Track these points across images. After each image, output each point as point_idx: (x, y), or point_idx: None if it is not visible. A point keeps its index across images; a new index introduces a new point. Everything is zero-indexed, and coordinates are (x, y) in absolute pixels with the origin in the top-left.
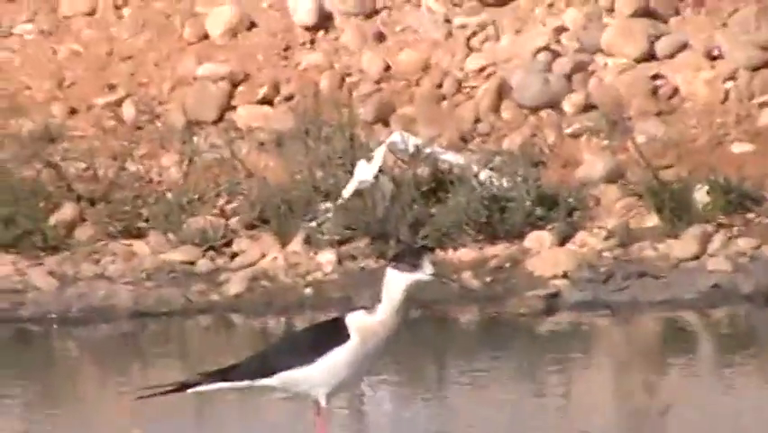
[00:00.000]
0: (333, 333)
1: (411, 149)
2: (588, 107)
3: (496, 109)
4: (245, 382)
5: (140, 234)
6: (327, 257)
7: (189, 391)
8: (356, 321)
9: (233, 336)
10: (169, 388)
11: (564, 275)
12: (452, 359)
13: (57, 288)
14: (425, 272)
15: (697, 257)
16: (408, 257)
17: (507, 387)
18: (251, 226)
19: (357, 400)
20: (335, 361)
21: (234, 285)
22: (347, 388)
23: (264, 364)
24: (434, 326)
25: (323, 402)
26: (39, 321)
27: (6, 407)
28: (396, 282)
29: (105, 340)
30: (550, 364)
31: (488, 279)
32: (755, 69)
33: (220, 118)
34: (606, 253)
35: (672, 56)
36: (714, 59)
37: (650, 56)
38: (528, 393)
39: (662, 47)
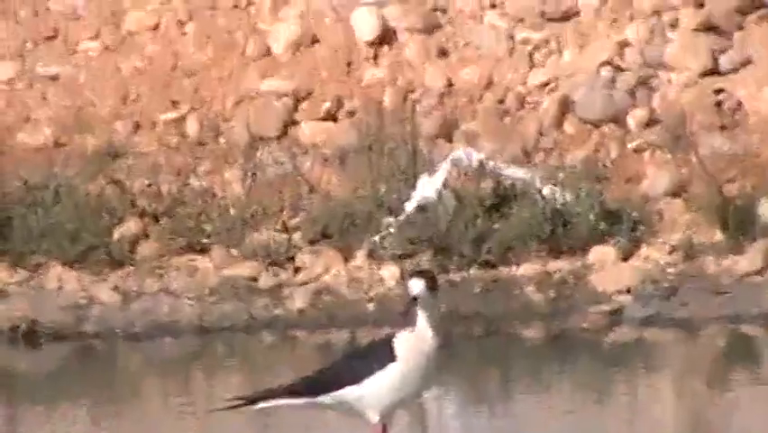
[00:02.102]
0: (381, 354)
1: (474, 164)
2: (651, 122)
3: (559, 124)
4: (304, 400)
5: (203, 250)
6: (390, 271)
7: (253, 407)
8: (402, 341)
9: (296, 350)
10: (234, 403)
11: (628, 290)
12: (516, 374)
13: (121, 303)
14: (412, 290)
15: (762, 272)
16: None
17: (571, 401)
18: (313, 241)
19: (420, 412)
20: (382, 382)
21: (298, 300)
22: (398, 407)
23: (318, 383)
24: (498, 341)
25: (373, 421)
26: (103, 336)
27: (72, 421)
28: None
29: (169, 356)
30: (613, 379)
31: (551, 294)
32: None
33: (283, 134)
34: (670, 269)
35: (735, 70)
36: None
37: (713, 70)
38: (592, 408)
39: (725, 61)
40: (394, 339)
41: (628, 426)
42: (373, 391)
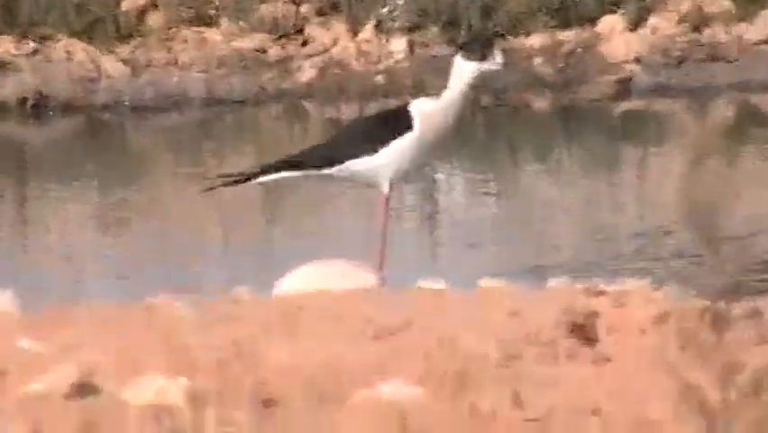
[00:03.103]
0: (397, 122)
1: None
2: None
3: None
4: (310, 171)
5: (211, 22)
6: (399, 44)
7: (254, 181)
8: (420, 109)
9: (305, 123)
10: (234, 178)
11: (637, 60)
12: (525, 144)
13: (129, 75)
14: (495, 61)
15: None
16: (478, 45)
17: (580, 171)
18: (322, 13)
19: (429, 184)
20: (398, 150)
21: (306, 72)
22: (409, 175)
23: (328, 154)
24: (506, 112)
25: (384, 190)
26: (111, 108)
27: (81, 191)
28: (463, 70)
29: (177, 127)
30: (622, 148)
31: (560, 64)
32: None
33: None
34: (678, 37)
35: None
36: None
37: None
38: (600, 177)
39: None
40: (410, 107)
41: (636, 194)
42: (388, 161)
